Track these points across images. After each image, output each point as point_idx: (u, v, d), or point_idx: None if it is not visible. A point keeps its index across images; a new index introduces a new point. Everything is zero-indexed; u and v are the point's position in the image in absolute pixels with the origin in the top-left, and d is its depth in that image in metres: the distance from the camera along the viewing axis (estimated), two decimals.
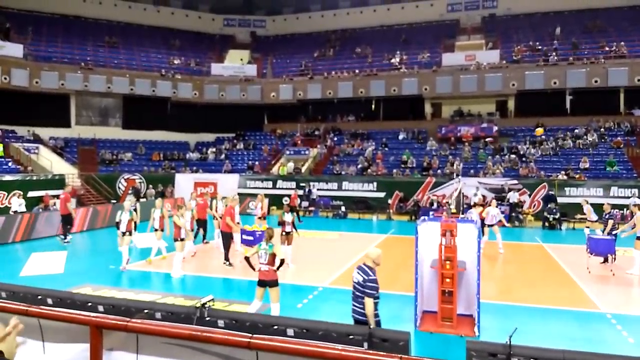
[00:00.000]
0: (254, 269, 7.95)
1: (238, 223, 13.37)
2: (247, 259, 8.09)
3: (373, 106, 34.65)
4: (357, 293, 5.94)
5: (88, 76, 31.68)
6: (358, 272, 6.00)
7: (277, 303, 7.81)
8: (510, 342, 3.09)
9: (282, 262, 7.88)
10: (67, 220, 16.73)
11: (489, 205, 16.43)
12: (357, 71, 34.33)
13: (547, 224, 20.71)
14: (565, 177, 23.67)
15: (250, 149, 33.61)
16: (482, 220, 15.69)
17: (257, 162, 30.88)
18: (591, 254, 12.58)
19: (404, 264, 12.48)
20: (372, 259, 6.05)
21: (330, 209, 25.28)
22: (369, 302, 5.74)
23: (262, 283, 7.77)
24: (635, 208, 12.82)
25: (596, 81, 28.83)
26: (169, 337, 2.70)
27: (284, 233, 12.67)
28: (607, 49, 30.25)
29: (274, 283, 7.75)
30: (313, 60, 37.61)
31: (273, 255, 7.75)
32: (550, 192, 22.04)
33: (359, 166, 28.22)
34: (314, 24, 41.90)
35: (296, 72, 36.42)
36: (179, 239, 11.75)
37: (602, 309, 9.33)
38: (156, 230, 13.19)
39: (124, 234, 12.61)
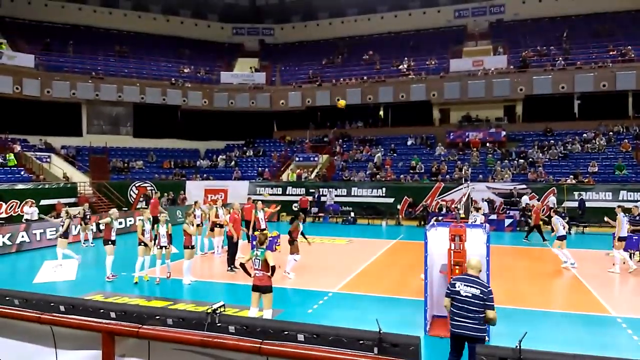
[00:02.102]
0: (250, 275, 8.01)
1: (264, 229, 13.55)
2: (242, 265, 8.20)
3: (382, 112, 34.77)
4: (474, 308, 5.58)
5: (99, 85, 32.12)
6: (468, 285, 5.69)
7: (269, 310, 7.87)
8: (520, 346, 3.11)
9: (273, 268, 7.82)
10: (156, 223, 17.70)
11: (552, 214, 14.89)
12: (365, 78, 34.49)
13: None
14: (574, 181, 23.59)
15: (260, 156, 33.83)
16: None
17: (266, 169, 31.05)
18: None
19: (413, 269, 12.51)
20: (479, 268, 5.91)
21: (339, 215, 25.35)
22: (493, 314, 5.55)
23: (255, 288, 7.85)
24: (619, 210, 13.21)
25: (604, 85, 28.75)
26: (181, 343, 2.71)
27: (294, 242, 12.31)
28: (615, 53, 30.17)
29: (266, 289, 7.79)
30: (321, 68, 37.82)
31: (265, 262, 7.76)
32: (580, 198, 21.97)
33: (368, 172, 28.30)
34: (322, 31, 42.14)
35: (305, 80, 36.63)
36: (189, 247, 11.81)
37: (613, 313, 9.32)
38: (164, 247, 12.14)
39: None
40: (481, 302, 5.55)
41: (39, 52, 32.51)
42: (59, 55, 33.78)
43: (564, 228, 13.74)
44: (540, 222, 17.79)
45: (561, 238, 13.47)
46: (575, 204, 22.11)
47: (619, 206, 13.81)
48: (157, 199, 19.74)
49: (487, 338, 5.72)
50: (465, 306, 5.61)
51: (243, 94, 35.86)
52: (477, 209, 17.88)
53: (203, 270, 13.52)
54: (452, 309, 5.74)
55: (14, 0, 35.34)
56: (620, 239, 12.69)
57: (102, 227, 12.68)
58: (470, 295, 5.61)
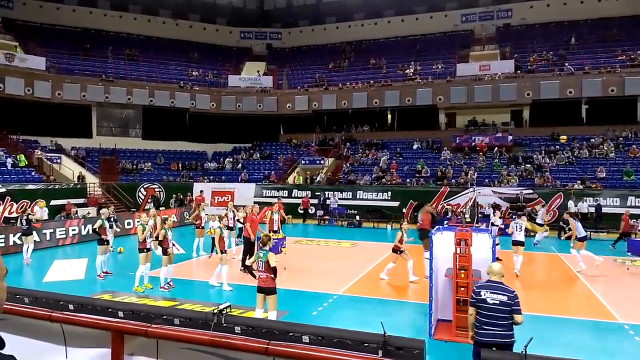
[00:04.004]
0: (254, 277, 8.04)
1: (276, 231, 13.71)
2: (247, 267, 8.22)
3: (388, 116, 34.85)
4: (502, 315, 5.44)
5: (109, 88, 32.47)
6: (494, 292, 5.52)
7: (274, 311, 7.90)
8: (525, 352, 3.16)
9: (275, 270, 7.84)
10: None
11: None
12: (371, 82, 34.57)
13: (563, 233, 20.59)
14: (581, 187, 23.51)
15: (267, 159, 34.03)
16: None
17: (273, 172, 31.22)
18: (628, 252, 14.49)
19: (417, 273, 12.55)
20: (502, 273, 5.77)
21: (345, 218, 25.44)
22: (521, 318, 5.48)
23: (260, 290, 7.92)
24: (567, 215, 14.70)
25: (612, 90, 28.62)
26: (189, 342, 2.74)
27: (399, 252, 12.01)
28: (623, 57, 30.05)
29: (270, 291, 7.84)
30: (328, 72, 37.97)
31: (268, 263, 7.80)
32: (597, 203, 21.98)
33: (374, 175, 28.37)
34: (328, 35, 42.30)
35: (311, 83, 36.81)
36: (224, 251, 11.39)
37: (620, 320, 9.28)
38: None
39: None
40: (509, 309, 5.43)
41: (50, 54, 32.89)
42: (69, 58, 34.14)
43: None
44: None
45: (516, 244, 13.32)
46: (586, 210, 22.11)
47: (567, 212, 15.38)
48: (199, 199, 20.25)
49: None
50: (494, 314, 5.44)
51: (250, 97, 36.08)
52: (494, 211, 18.12)
53: (208, 271, 13.59)
54: (478, 317, 5.55)
55: (26, 4, 35.81)
56: (579, 239, 13.43)
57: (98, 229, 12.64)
58: (498, 302, 5.46)
